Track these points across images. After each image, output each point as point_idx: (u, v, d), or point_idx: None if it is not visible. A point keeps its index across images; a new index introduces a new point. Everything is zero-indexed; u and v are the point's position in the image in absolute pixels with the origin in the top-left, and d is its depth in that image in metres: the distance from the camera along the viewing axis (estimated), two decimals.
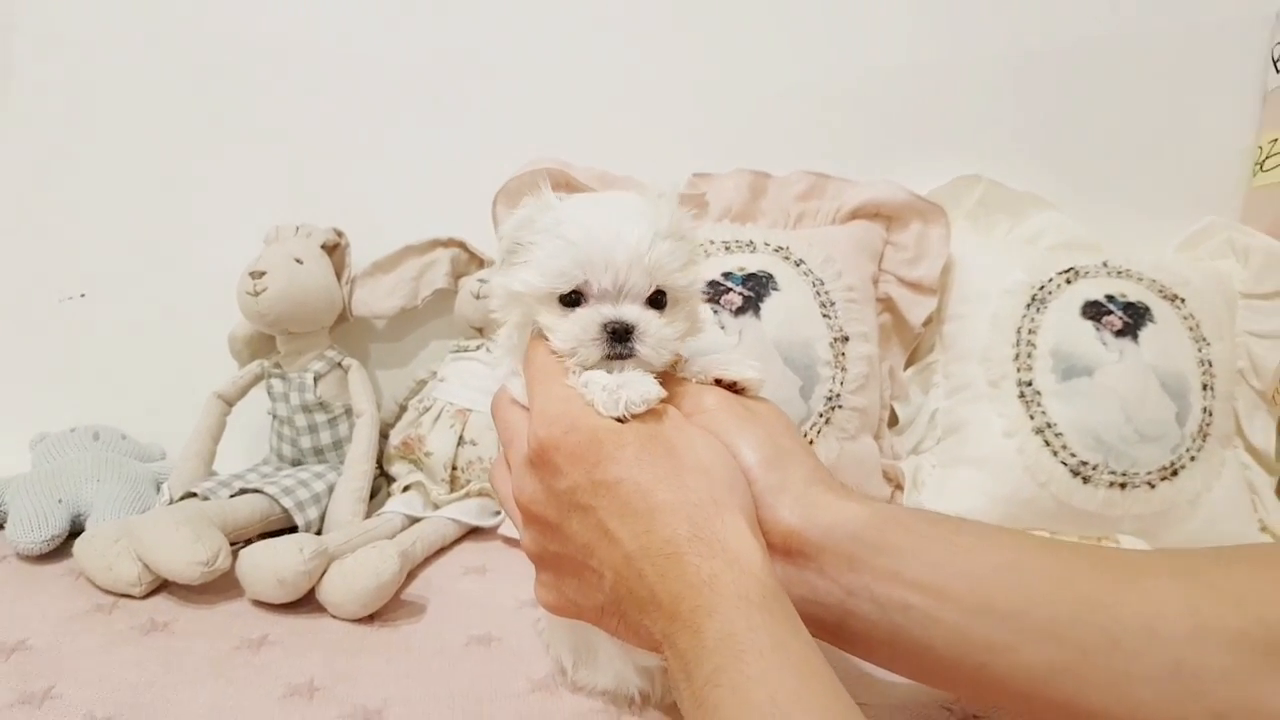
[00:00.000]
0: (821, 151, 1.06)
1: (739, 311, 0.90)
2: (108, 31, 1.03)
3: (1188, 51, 1.08)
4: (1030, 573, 0.51)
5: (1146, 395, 0.94)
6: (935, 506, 0.97)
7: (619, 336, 0.55)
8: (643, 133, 1.07)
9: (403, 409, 1.02)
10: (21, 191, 1.07)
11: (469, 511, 0.91)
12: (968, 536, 0.54)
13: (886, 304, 1.02)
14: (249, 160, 1.06)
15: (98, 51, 1.03)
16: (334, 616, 0.73)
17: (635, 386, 0.53)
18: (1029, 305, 0.99)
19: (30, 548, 0.81)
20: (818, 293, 0.94)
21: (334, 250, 1.00)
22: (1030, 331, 0.98)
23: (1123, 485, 0.94)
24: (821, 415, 0.91)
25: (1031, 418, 0.95)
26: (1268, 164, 1.08)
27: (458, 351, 1.00)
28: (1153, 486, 0.94)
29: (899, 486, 0.99)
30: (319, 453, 0.96)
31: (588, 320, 0.54)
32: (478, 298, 0.98)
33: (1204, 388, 0.97)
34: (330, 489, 0.90)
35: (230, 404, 0.97)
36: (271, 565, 0.72)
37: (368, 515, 0.90)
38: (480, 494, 0.94)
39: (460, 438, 0.95)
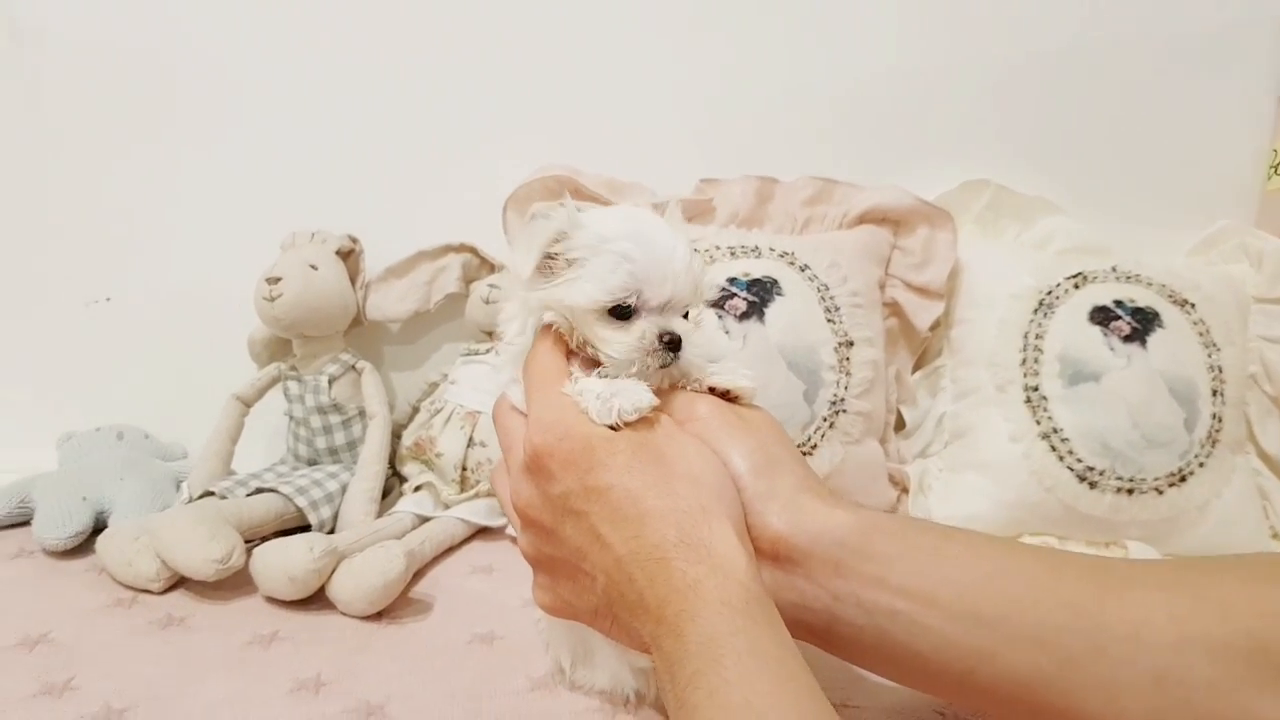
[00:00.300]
0: (829, 156, 1.07)
1: (743, 317, 0.92)
2: (135, 42, 1.06)
3: (1201, 55, 1.08)
4: (1016, 580, 0.52)
5: (1154, 401, 0.94)
6: (941, 510, 0.98)
7: (672, 347, 0.57)
8: (650, 139, 1.08)
9: (415, 411, 1.04)
10: (51, 201, 1.10)
11: (478, 512, 0.93)
12: (955, 544, 0.55)
13: (893, 308, 1.03)
14: (268, 168, 1.08)
15: (125, 62, 1.06)
16: (343, 613, 0.75)
17: (628, 395, 0.54)
18: (1036, 310, 0.99)
19: (55, 544, 0.85)
20: (822, 298, 0.95)
21: (348, 256, 1.02)
22: (1038, 337, 0.98)
23: (1130, 491, 0.94)
24: (825, 419, 0.92)
25: (1038, 423, 0.96)
26: None
27: (468, 355, 1.02)
28: (1160, 493, 0.94)
29: (905, 490, 0.99)
30: (334, 453, 0.99)
31: (646, 332, 0.56)
32: (487, 302, 1.00)
33: (1214, 394, 0.97)
34: (343, 488, 0.93)
35: (248, 405, 1.00)
36: (282, 563, 0.74)
37: (380, 514, 0.92)
38: (489, 494, 0.95)
39: (470, 439, 0.97)
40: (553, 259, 0.57)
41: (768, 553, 0.54)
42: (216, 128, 1.08)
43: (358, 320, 1.04)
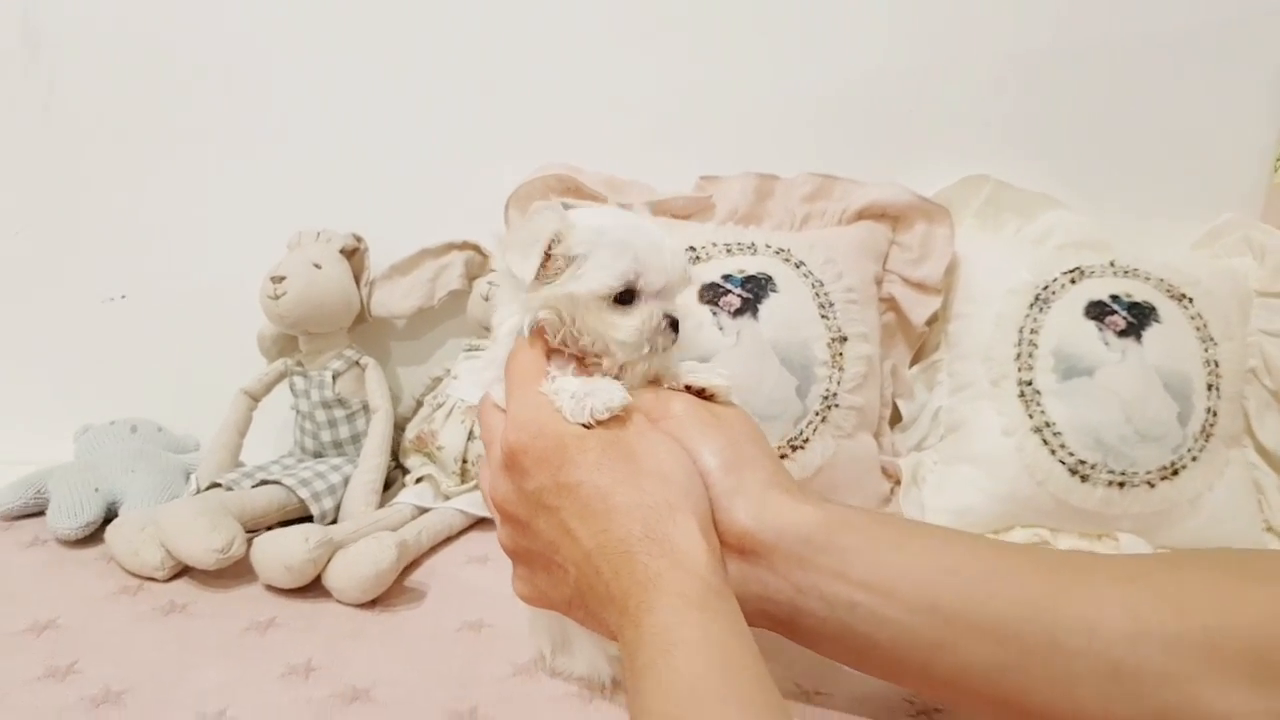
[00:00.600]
0: (830, 153, 1.07)
1: (737, 313, 0.93)
2: (148, 46, 1.08)
3: (1208, 46, 1.07)
4: (974, 574, 0.53)
5: (1148, 396, 0.94)
6: (935, 502, 0.99)
7: (674, 327, 0.60)
8: (650, 137, 1.09)
9: (419, 404, 1.07)
10: (68, 202, 1.13)
11: (476, 503, 0.95)
12: (917, 539, 0.56)
13: (890, 304, 1.04)
14: (276, 169, 1.11)
15: (137, 65, 1.09)
16: (338, 601, 0.78)
17: (601, 395, 0.56)
18: (1032, 305, 0.99)
19: (67, 533, 0.88)
20: (817, 294, 0.96)
21: (353, 254, 1.05)
22: (1033, 331, 0.98)
23: (1121, 484, 0.94)
24: (818, 414, 0.93)
25: (1030, 417, 0.96)
26: None
27: (470, 350, 1.05)
28: (1152, 486, 0.94)
29: (898, 483, 1.00)
30: (338, 446, 1.02)
31: (653, 313, 0.59)
32: (486, 299, 1.02)
33: (1209, 388, 0.97)
34: (346, 480, 0.95)
35: (256, 399, 1.03)
36: (279, 553, 0.77)
37: (381, 505, 0.95)
38: None
39: (471, 433, 0.99)
40: (549, 259, 0.59)
41: (734, 546, 0.56)
42: (228, 130, 1.11)
43: (362, 317, 1.06)
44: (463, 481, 0.99)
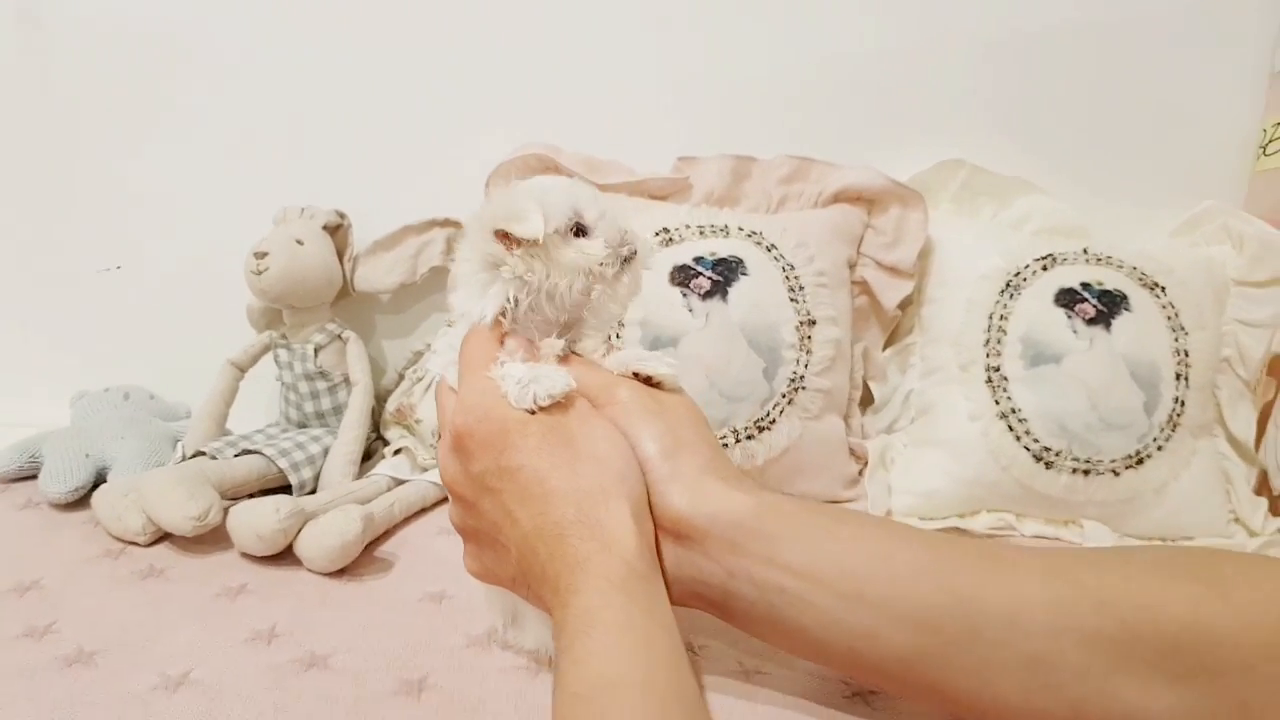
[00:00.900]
0: (808, 135, 1.09)
1: (707, 295, 0.95)
2: (140, 25, 1.11)
3: (1189, 31, 1.07)
4: (900, 564, 0.55)
5: (1114, 384, 0.96)
6: (902, 484, 1.01)
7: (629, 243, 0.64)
8: (629, 118, 1.11)
9: (401, 378, 1.10)
10: (65, 176, 1.17)
11: None
12: (847, 527, 0.58)
13: (863, 287, 1.05)
14: (264, 147, 1.14)
15: (130, 44, 1.12)
16: (308, 569, 0.81)
17: (544, 382, 0.58)
18: (1003, 291, 1.00)
19: (57, 497, 0.92)
20: (787, 277, 0.97)
21: (336, 231, 1.07)
22: (1002, 318, 1.00)
23: (1086, 472, 0.95)
24: (785, 396, 0.95)
25: (997, 403, 0.98)
26: (1270, 148, 1.07)
27: (450, 326, 1.07)
28: (1117, 474, 0.96)
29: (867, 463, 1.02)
30: (320, 416, 1.05)
31: (610, 228, 0.63)
32: None
33: (1178, 378, 0.97)
34: (325, 451, 0.98)
35: (243, 370, 1.06)
36: (252, 522, 0.80)
37: (360, 475, 0.98)
38: None
39: None
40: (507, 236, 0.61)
41: (670, 530, 0.58)
42: (219, 109, 1.13)
43: (345, 292, 1.09)
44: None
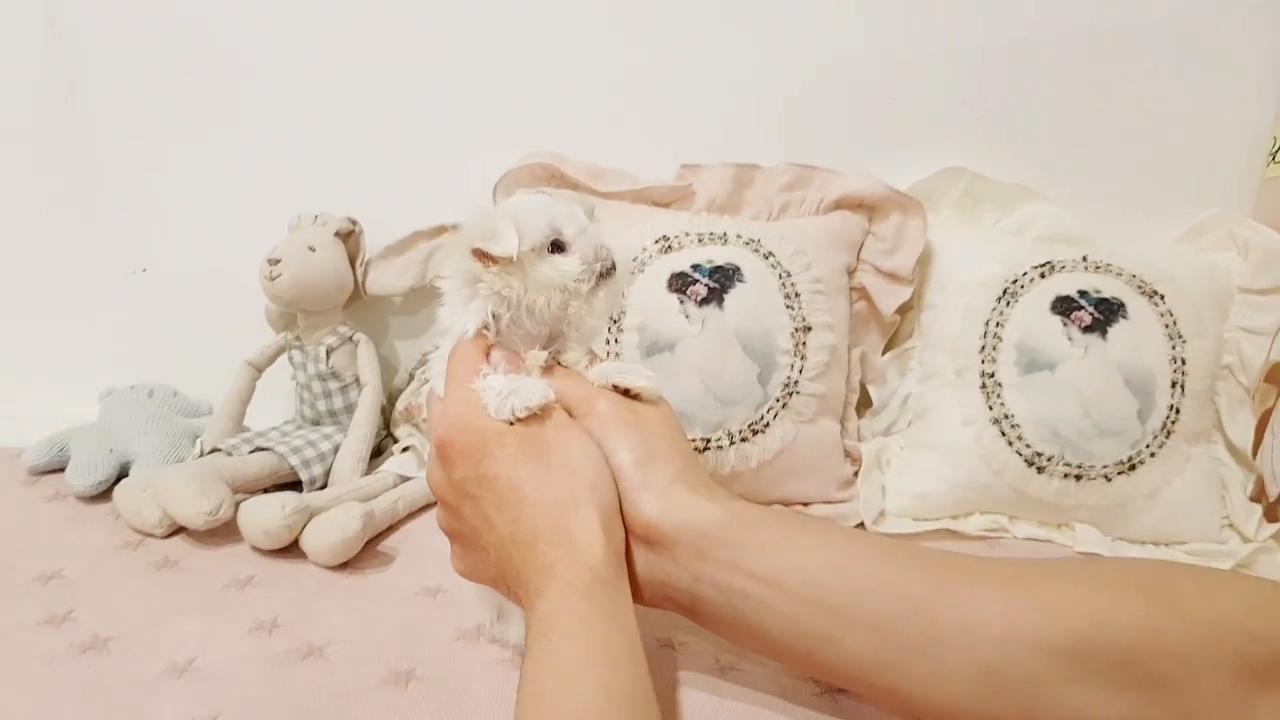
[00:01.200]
0: (811, 143, 1.10)
1: (703, 302, 0.97)
2: (163, 39, 1.16)
3: (1196, 36, 1.06)
4: (858, 572, 0.57)
5: (1108, 391, 0.96)
6: (896, 486, 1.03)
7: (607, 258, 0.66)
8: (634, 125, 1.14)
9: (411, 377, 1.13)
10: (93, 182, 1.22)
11: None
12: (807, 535, 0.60)
13: (861, 293, 1.07)
14: (283, 156, 1.18)
15: (156, 56, 1.16)
16: (313, 563, 0.85)
17: (522, 394, 0.61)
18: (1000, 299, 1.01)
19: (82, 490, 0.97)
20: (783, 285, 0.99)
21: (348, 237, 1.11)
22: (998, 325, 1.01)
23: (1078, 477, 0.96)
24: (779, 400, 0.98)
25: (990, 408, 0.99)
26: None
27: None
28: (1109, 480, 0.97)
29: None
30: (333, 415, 1.09)
31: (587, 245, 0.65)
32: None
33: (1173, 385, 0.98)
34: (336, 449, 1.03)
35: (259, 370, 1.11)
36: (259, 518, 0.84)
37: (369, 472, 1.02)
38: None
39: None
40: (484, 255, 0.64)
41: (641, 536, 0.61)
42: (238, 120, 1.18)
43: (358, 295, 1.12)
44: None
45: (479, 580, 0.66)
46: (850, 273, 1.06)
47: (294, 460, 0.98)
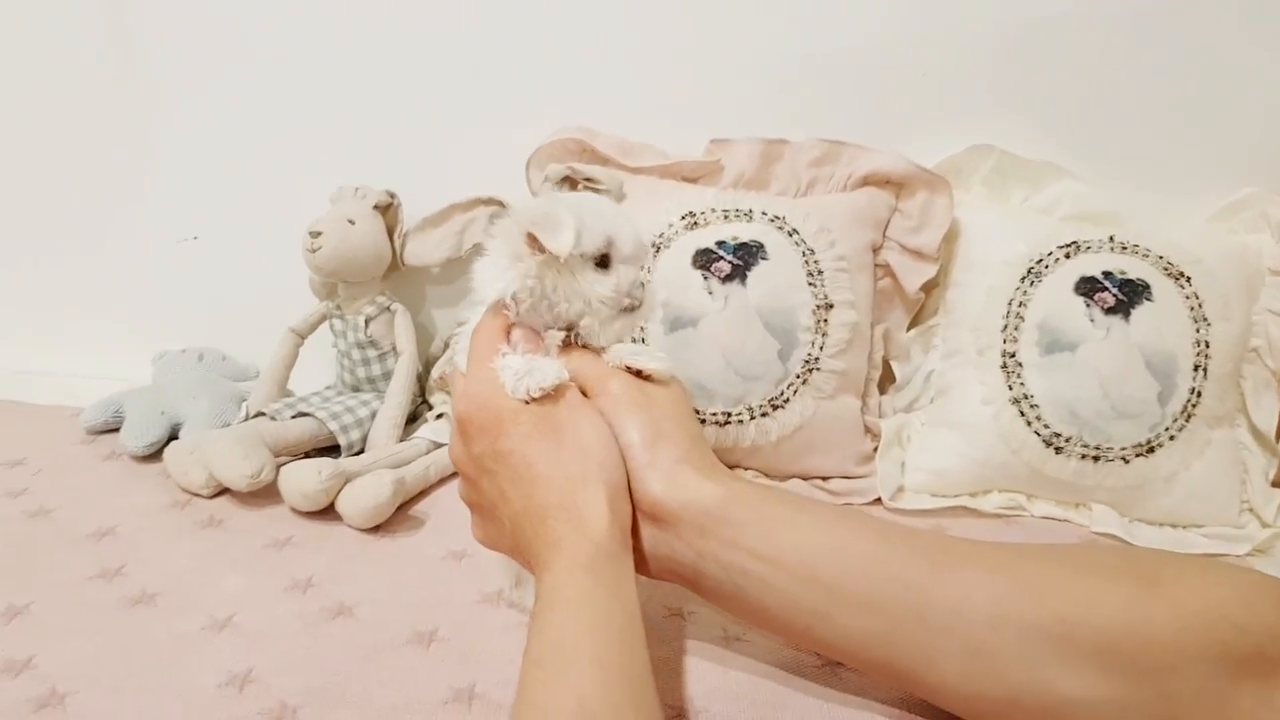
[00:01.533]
0: (840, 118, 1.10)
1: (726, 279, 0.99)
2: (215, 15, 1.20)
3: (1235, 14, 1.04)
4: (853, 552, 0.59)
5: (1128, 374, 0.97)
6: (915, 462, 1.05)
7: (643, 288, 0.68)
8: (664, 100, 1.15)
9: (447, 345, 1.17)
10: (148, 153, 1.27)
11: None
12: (806, 516, 0.63)
13: (886, 270, 1.08)
14: (328, 129, 1.22)
15: (208, 33, 1.21)
16: (348, 525, 0.90)
17: (537, 375, 0.64)
18: (1024, 278, 1.02)
19: (134, 450, 1.03)
20: (806, 262, 1.01)
21: (387, 209, 1.14)
22: (1021, 304, 1.01)
23: (1095, 458, 0.97)
24: (799, 376, 1.00)
25: (1010, 388, 1.00)
26: None
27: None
28: (1127, 462, 0.97)
29: None
30: (371, 381, 1.13)
31: (629, 274, 0.67)
32: None
33: (1195, 368, 0.98)
34: (373, 415, 1.07)
35: (302, 337, 1.15)
36: (297, 482, 0.89)
37: (404, 438, 1.06)
38: None
39: None
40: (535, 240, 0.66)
41: (648, 513, 0.63)
42: (287, 95, 1.22)
43: (394, 266, 1.16)
44: None
45: (497, 549, 0.70)
46: (876, 250, 1.07)
47: (333, 426, 1.02)
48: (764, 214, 1.03)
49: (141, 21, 1.21)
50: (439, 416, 1.10)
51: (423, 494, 0.98)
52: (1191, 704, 0.50)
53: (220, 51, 1.21)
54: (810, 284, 1.00)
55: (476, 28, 1.15)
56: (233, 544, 0.87)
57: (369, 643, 0.71)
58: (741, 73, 1.13)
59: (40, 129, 1.28)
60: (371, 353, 1.12)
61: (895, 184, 1.06)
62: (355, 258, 1.09)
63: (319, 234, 1.06)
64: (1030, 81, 1.10)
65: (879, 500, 1.01)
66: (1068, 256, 1.02)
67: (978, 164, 1.10)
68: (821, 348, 1.00)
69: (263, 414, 1.03)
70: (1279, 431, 1.03)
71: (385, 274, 1.15)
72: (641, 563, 0.65)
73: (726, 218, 1.03)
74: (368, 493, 0.88)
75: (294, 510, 0.92)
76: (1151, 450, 0.97)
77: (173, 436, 1.06)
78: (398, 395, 1.08)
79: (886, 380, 1.13)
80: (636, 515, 0.64)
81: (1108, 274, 1.00)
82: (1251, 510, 1.00)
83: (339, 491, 0.90)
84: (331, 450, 1.04)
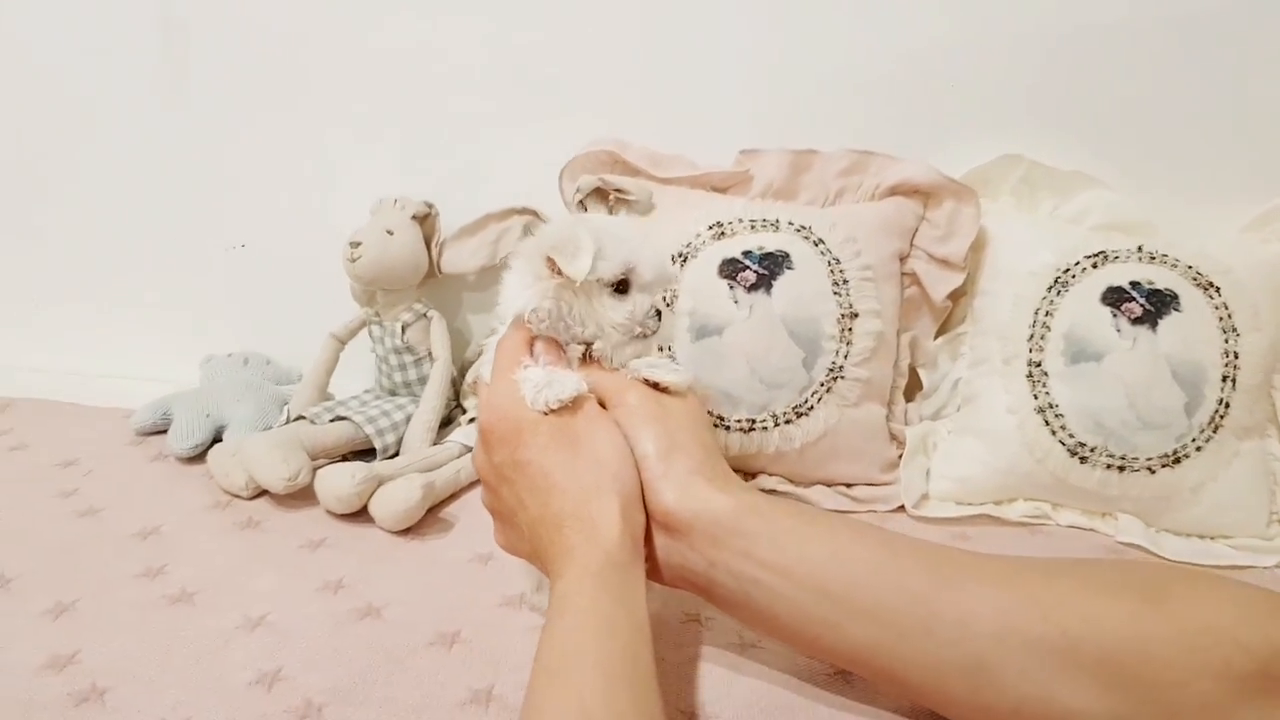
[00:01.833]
0: (870, 128, 1.12)
1: (752, 288, 1.00)
2: (265, 33, 1.24)
3: (1270, 20, 1.04)
4: (862, 563, 0.61)
5: (1154, 384, 0.96)
6: (940, 470, 1.06)
7: (657, 316, 0.71)
8: (695, 112, 1.16)
9: (482, 351, 1.20)
10: (199, 166, 1.31)
11: None
12: (816, 527, 0.64)
13: (914, 278, 1.08)
14: (370, 142, 1.25)
15: (257, 52, 1.25)
16: (380, 528, 0.92)
17: (555, 387, 0.66)
18: (1050, 288, 1.02)
19: (180, 452, 1.07)
20: (832, 271, 1.01)
21: (425, 219, 1.18)
22: (1047, 314, 1.01)
23: (1121, 468, 0.97)
24: (823, 385, 1.01)
25: (1035, 397, 1.00)
26: None
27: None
28: (1152, 472, 0.97)
29: None
30: (408, 386, 1.16)
31: (644, 302, 0.69)
32: None
33: (1224, 379, 0.97)
34: (408, 419, 1.10)
35: (343, 342, 1.19)
36: (332, 485, 0.92)
37: (438, 441, 1.09)
38: None
39: None
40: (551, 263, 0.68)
41: (661, 523, 0.65)
42: (332, 108, 1.25)
43: (431, 274, 1.19)
44: None
45: (517, 554, 0.72)
46: (903, 259, 1.07)
47: (369, 429, 1.05)
48: (790, 224, 1.04)
49: (194, 42, 1.25)
50: (472, 420, 1.13)
51: (453, 497, 1.01)
52: None
53: (268, 71, 1.25)
54: (835, 293, 1.01)
55: (512, 46, 1.18)
56: (269, 545, 0.90)
57: (394, 643, 0.74)
58: (771, 84, 1.15)
59: (97, 143, 1.33)
60: (408, 358, 1.15)
61: (923, 193, 1.07)
62: (393, 267, 1.12)
63: (358, 244, 1.09)
64: (1061, 91, 1.10)
65: (903, 508, 1.02)
66: (1095, 266, 1.02)
67: (1006, 173, 1.10)
68: (846, 356, 1.01)
69: (303, 417, 1.07)
70: None
71: (422, 281, 1.18)
72: (655, 571, 0.67)
73: (753, 228, 1.04)
74: (398, 496, 0.91)
75: (329, 512, 0.95)
76: (1178, 461, 0.97)
77: (217, 438, 1.10)
78: (431, 400, 1.11)
79: (914, 388, 1.13)
80: (650, 525, 0.66)
81: (1135, 284, 0.99)
82: None
83: (372, 494, 0.93)
84: (368, 453, 1.07)
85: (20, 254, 1.42)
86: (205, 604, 0.79)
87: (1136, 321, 0.98)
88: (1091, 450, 0.97)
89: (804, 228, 1.04)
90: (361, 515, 0.94)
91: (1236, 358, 0.98)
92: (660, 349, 0.99)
